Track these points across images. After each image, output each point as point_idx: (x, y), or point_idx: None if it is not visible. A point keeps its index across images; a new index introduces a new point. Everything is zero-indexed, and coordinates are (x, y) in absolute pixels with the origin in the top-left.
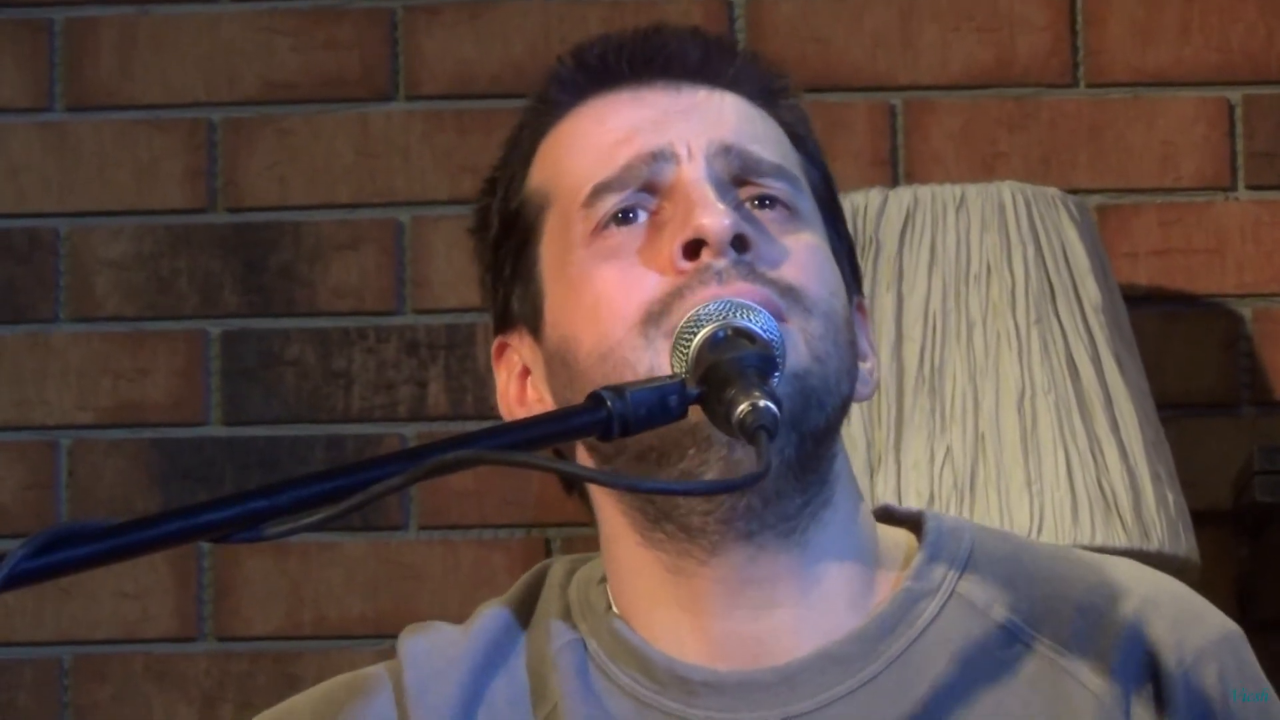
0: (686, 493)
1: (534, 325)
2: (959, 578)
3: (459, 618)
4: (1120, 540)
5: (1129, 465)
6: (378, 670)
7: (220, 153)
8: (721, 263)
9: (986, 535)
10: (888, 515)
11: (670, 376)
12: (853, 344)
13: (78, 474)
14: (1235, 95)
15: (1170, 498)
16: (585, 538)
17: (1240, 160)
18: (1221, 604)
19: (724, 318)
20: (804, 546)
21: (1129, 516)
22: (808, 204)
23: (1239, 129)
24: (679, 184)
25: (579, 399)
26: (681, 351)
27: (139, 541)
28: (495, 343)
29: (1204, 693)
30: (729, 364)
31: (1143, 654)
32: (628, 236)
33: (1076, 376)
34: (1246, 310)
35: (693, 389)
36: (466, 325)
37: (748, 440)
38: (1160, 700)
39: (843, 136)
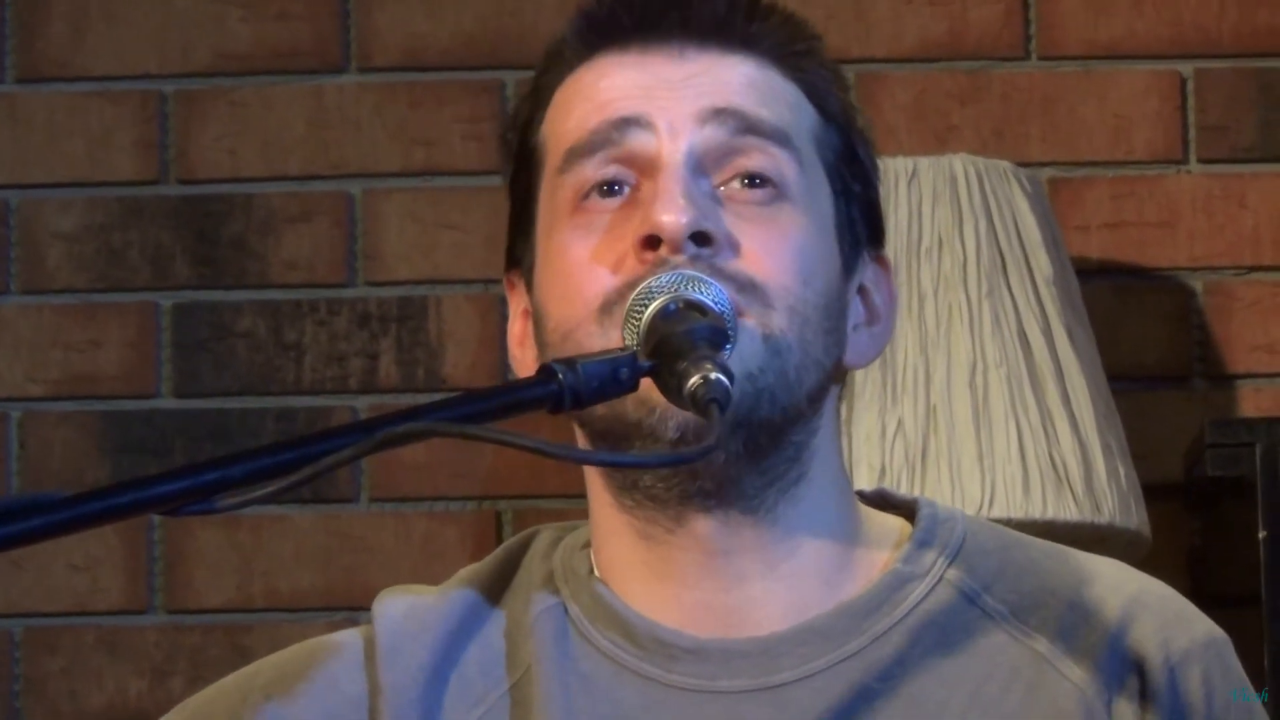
0: (636, 465)
1: (528, 279)
2: (949, 565)
3: None
4: (1071, 513)
5: (1080, 438)
6: (350, 633)
7: (172, 125)
8: (679, 258)
9: (979, 527)
10: (883, 500)
11: (622, 349)
12: (830, 330)
13: (28, 446)
14: (1187, 69)
15: (1122, 471)
16: (537, 510)
17: (1192, 134)
18: (1172, 578)
19: (675, 290)
20: (773, 522)
21: (1080, 490)
22: (803, 175)
23: (1191, 102)
24: (654, 162)
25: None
26: (633, 324)
27: (90, 514)
28: (506, 276)
29: (1188, 694)
30: (680, 336)
31: (1128, 652)
32: (605, 212)
33: (1028, 349)
34: (1198, 283)
35: (644, 361)
36: (418, 298)
37: (699, 413)
38: (1144, 699)
39: None
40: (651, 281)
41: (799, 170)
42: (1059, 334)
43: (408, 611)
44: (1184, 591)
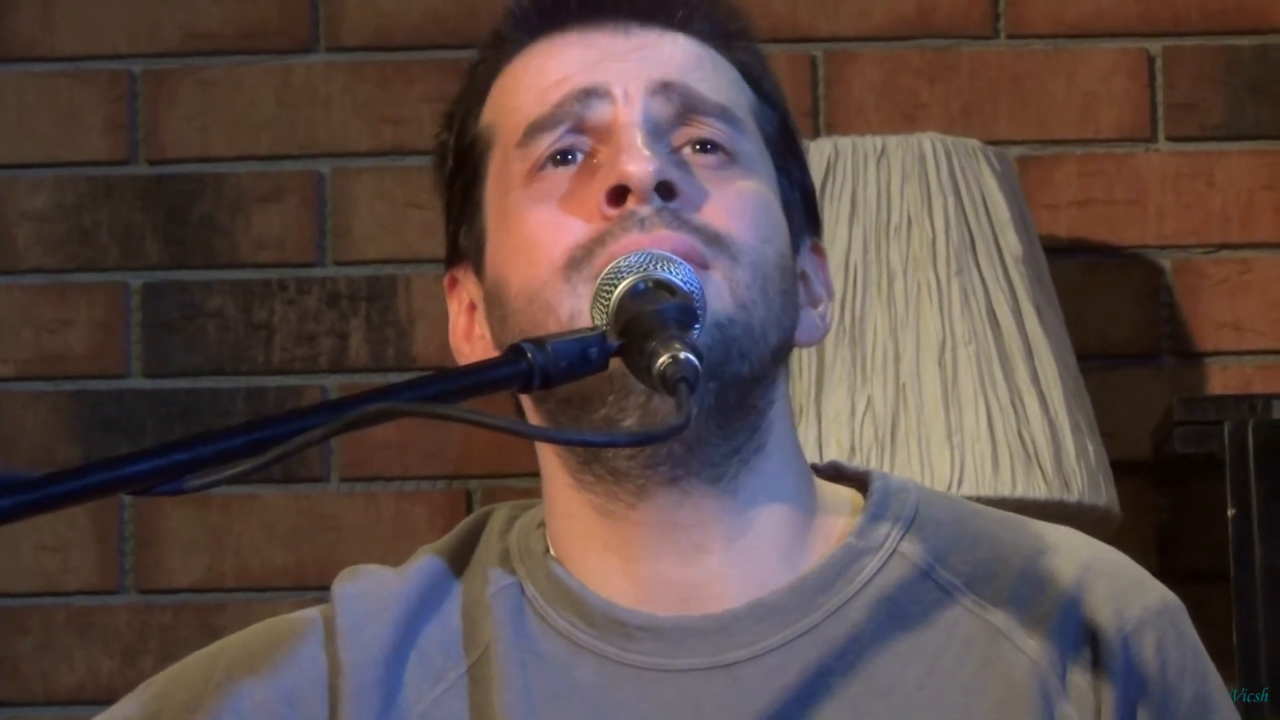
0: (607, 444)
1: (477, 263)
2: (901, 537)
3: None
4: (1041, 491)
5: (1049, 416)
6: (310, 613)
7: (141, 104)
8: (645, 210)
9: (932, 498)
10: (836, 472)
11: (591, 329)
12: (788, 292)
13: None
14: (1155, 47)
15: (1090, 448)
16: (506, 489)
17: (1160, 112)
18: (1141, 555)
19: (644, 270)
20: (734, 493)
21: (1049, 467)
22: (751, 147)
23: (1159, 80)
24: (613, 126)
25: (510, 339)
26: (602, 303)
27: (60, 494)
28: (447, 276)
29: (1141, 661)
30: (649, 316)
31: (1081, 620)
32: (562, 178)
33: (997, 327)
34: (1166, 261)
35: (613, 341)
36: (388, 276)
37: (668, 392)
38: (1097, 667)
39: None
40: (620, 261)
41: (745, 141)
42: (1028, 312)
43: (367, 590)
44: (1153, 568)
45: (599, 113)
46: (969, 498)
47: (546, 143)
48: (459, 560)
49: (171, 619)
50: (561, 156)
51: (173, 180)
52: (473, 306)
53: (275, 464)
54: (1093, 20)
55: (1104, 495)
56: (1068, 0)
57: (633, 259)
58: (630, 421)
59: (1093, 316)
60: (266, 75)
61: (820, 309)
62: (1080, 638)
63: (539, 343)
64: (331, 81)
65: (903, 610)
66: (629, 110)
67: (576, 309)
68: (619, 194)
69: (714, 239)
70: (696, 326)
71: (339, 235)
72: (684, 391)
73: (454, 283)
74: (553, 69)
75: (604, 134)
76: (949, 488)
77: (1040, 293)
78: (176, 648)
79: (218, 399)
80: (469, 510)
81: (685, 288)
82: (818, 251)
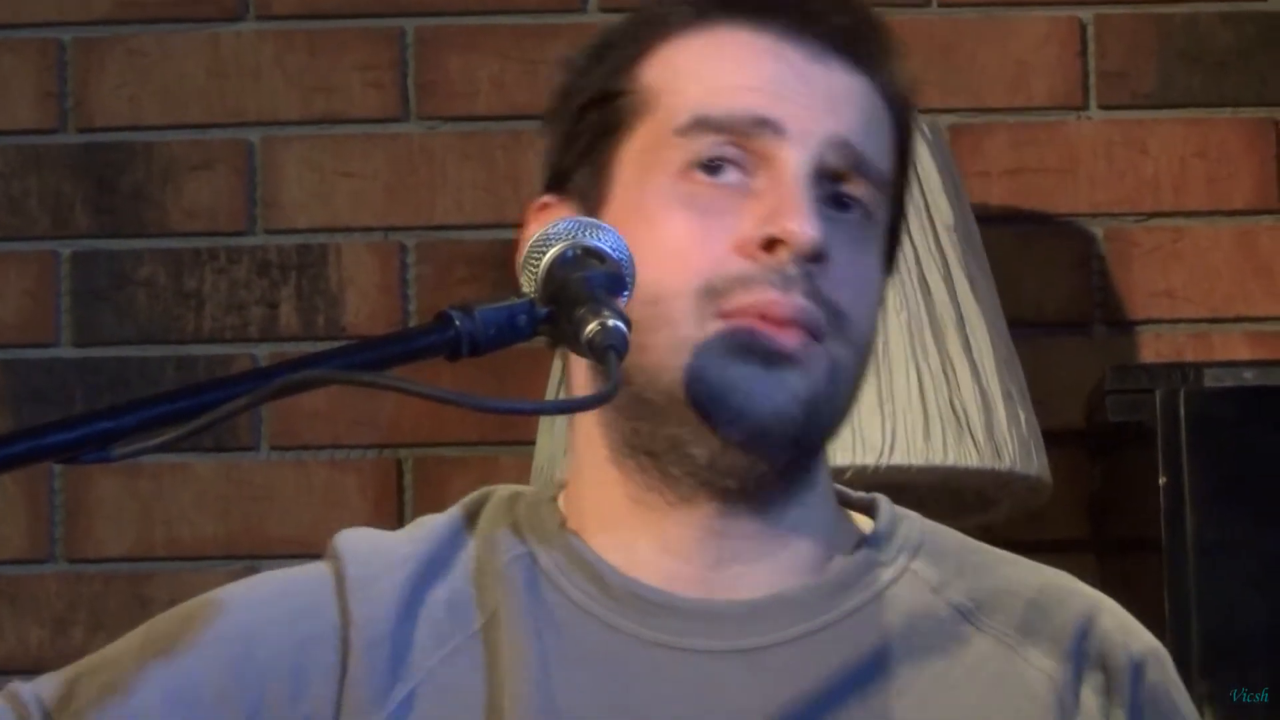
0: (534, 412)
1: (589, 208)
2: (912, 558)
3: (311, 539)
4: (972, 459)
5: (981, 384)
6: (310, 567)
7: (71, 73)
8: (792, 270)
9: (934, 528)
10: (841, 498)
11: (518, 295)
12: (870, 351)
13: None
14: (1087, 15)
15: (1022, 417)
16: (438, 457)
17: (1092, 80)
18: (1073, 524)
19: (572, 237)
20: (777, 521)
21: (981, 435)
22: (884, 215)
23: (1091, 49)
24: (780, 163)
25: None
26: (530, 271)
27: None
28: (540, 201)
29: (1148, 691)
30: (577, 283)
31: (1093, 645)
32: (715, 192)
33: (929, 296)
34: (1098, 230)
35: (542, 308)
36: (318, 245)
37: (596, 360)
38: (1109, 693)
39: None
40: (549, 228)
41: (883, 210)
42: (960, 280)
43: (374, 548)
44: (1084, 537)
45: (770, 144)
46: (900, 466)
47: (708, 144)
48: (465, 529)
49: (102, 588)
50: (714, 165)
51: (102, 149)
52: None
53: (204, 431)
54: None
55: (1035, 464)
56: None
57: (561, 226)
58: (700, 452)
59: (1025, 285)
60: (197, 44)
61: None
62: (1093, 661)
63: (466, 309)
64: (261, 50)
65: (917, 621)
66: (801, 154)
67: (694, 336)
68: (774, 244)
69: (836, 316)
70: (624, 294)
71: (269, 204)
72: (612, 359)
73: (545, 208)
74: (744, 69)
75: (768, 163)
76: (880, 455)
77: (972, 261)
78: (107, 617)
79: (148, 368)
80: (400, 479)
81: (614, 255)
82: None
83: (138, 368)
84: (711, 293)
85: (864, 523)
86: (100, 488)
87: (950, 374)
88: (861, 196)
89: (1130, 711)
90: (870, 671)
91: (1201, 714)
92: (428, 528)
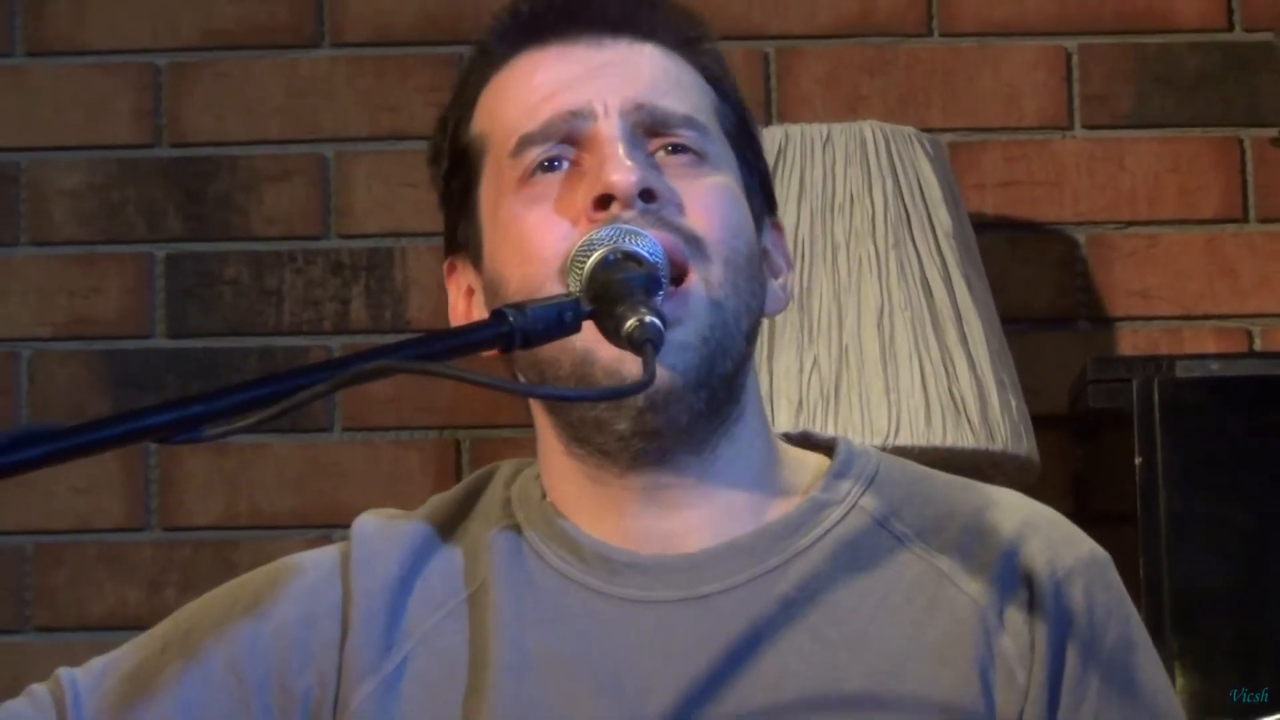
0: (580, 398)
1: (475, 256)
2: (862, 493)
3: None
4: (968, 441)
5: (976, 374)
6: (329, 549)
7: (164, 94)
8: (629, 214)
9: (891, 462)
10: (806, 440)
11: (566, 295)
12: (754, 276)
13: (37, 381)
14: (1072, 44)
15: (1013, 403)
16: (492, 439)
17: (1076, 103)
18: (1058, 499)
19: (614, 243)
20: (714, 460)
21: (976, 420)
22: (716, 146)
23: (1075, 74)
24: (595, 138)
25: None
26: (577, 272)
27: (91, 442)
28: (446, 263)
29: (1071, 605)
30: (618, 284)
31: (1019, 567)
32: (550, 184)
33: (930, 295)
34: (1081, 236)
35: (586, 306)
36: (385, 249)
37: (635, 352)
38: (1032, 607)
39: None
40: (593, 235)
41: (710, 142)
42: (958, 281)
43: (381, 529)
44: (1068, 511)
45: (582, 127)
46: (903, 447)
47: (536, 154)
48: (465, 506)
49: (191, 554)
50: (549, 164)
51: (192, 162)
52: (470, 291)
53: (284, 415)
54: (1017, 20)
55: (1025, 445)
56: (994, 2)
57: (604, 233)
58: (623, 426)
59: (1016, 285)
60: (276, 68)
61: (781, 280)
62: (1018, 581)
63: (519, 307)
64: (335, 74)
65: (859, 554)
66: (609, 124)
67: None
68: (604, 201)
69: (691, 239)
70: (660, 294)
71: (341, 212)
72: (650, 351)
73: (453, 269)
74: (538, 84)
75: (588, 144)
76: (886, 438)
77: (969, 264)
78: (196, 580)
79: (233, 358)
80: (458, 457)
81: (651, 259)
82: (777, 228)
83: (224, 357)
84: (569, 265)
85: (823, 463)
86: (191, 464)
87: (949, 365)
88: (684, 139)
89: (1055, 625)
90: (812, 605)
91: (1170, 668)
92: (434, 505)
